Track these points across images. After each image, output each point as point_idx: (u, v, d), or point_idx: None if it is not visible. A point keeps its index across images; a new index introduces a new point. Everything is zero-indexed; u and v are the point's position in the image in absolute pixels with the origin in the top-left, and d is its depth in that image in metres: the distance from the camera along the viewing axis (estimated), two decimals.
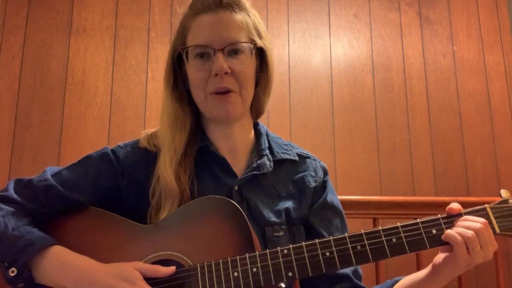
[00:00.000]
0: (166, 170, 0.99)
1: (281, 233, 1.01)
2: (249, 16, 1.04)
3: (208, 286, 0.86)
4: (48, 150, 2.29)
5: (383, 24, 2.69)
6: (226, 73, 0.98)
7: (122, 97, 2.41)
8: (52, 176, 1.01)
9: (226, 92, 1.00)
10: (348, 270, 1.05)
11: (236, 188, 1.03)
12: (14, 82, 2.36)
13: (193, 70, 1.02)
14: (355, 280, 1.06)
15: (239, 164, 1.07)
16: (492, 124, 2.64)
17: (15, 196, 0.97)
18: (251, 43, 1.02)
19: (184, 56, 1.02)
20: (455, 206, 0.91)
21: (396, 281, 1.02)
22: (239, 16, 1.01)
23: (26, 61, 2.39)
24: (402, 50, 2.67)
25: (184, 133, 1.04)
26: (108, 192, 1.03)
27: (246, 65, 1.01)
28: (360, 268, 1.09)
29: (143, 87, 2.44)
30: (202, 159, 1.05)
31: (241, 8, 1.03)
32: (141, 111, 2.41)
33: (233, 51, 1.00)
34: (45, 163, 2.24)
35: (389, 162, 2.51)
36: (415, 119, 2.59)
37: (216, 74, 0.98)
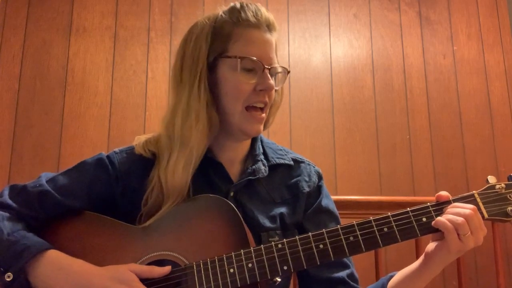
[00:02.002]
0: (183, 171, 0.97)
1: (276, 238, 1.01)
2: None
3: (204, 284, 0.87)
4: (48, 150, 2.29)
5: (383, 24, 2.69)
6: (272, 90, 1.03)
7: (122, 97, 2.41)
8: (47, 181, 1.01)
9: (262, 108, 1.04)
10: (344, 274, 1.06)
11: (231, 194, 1.03)
12: (14, 82, 2.36)
13: (238, 81, 1.01)
14: (352, 283, 1.06)
15: (234, 170, 1.08)
16: (492, 124, 2.64)
17: (10, 202, 0.97)
18: (287, 70, 1.09)
19: (238, 63, 1.00)
20: (443, 193, 0.93)
21: (391, 277, 1.03)
22: (275, 40, 1.08)
23: (26, 61, 2.39)
24: (402, 50, 2.67)
25: (209, 138, 1.03)
26: (102, 198, 1.03)
27: (280, 87, 1.09)
28: (356, 272, 1.09)
29: (143, 87, 2.44)
30: (199, 164, 1.05)
31: (276, 33, 1.09)
32: (141, 111, 2.41)
33: (274, 71, 1.05)
34: (45, 163, 2.24)
35: (389, 162, 2.51)
36: (415, 119, 2.59)
37: (261, 90, 1.02)
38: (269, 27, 1.05)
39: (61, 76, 2.40)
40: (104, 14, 2.50)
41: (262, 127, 1.06)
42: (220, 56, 1.02)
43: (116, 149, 1.09)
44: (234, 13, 1.04)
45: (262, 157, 1.09)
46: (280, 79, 1.08)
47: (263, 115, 1.04)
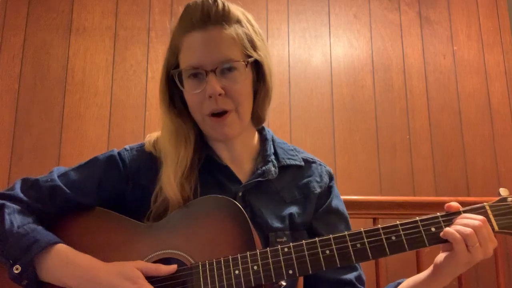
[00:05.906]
0: (170, 183, 0.98)
1: (284, 238, 1.01)
2: (242, 27, 0.99)
3: (209, 284, 0.87)
4: (48, 150, 2.29)
5: (383, 24, 2.69)
6: (220, 94, 0.95)
7: (122, 97, 2.41)
8: (58, 176, 1.02)
9: (223, 113, 0.97)
10: (351, 276, 1.05)
11: (240, 194, 1.03)
12: (14, 82, 2.36)
13: (188, 94, 1.00)
14: (359, 286, 1.06)
15: (243, 171, 1.07)
16: (492, 124, 2.64)
17: (21, 195, 0.98)
18: (243, 60, 0.97)
19: (176, 79, 0.99)
20: (454, 204, 0.92)
21: (399, 283, 1.02)
22: (230, 31, 0.97)
23: (26, 61, 2.39)
24: (402, 50, 2.67)
25: (189, 147, 1.02)
26: (112, 195, 1.04)
27: (241, 82, 0.98)
28: (364, 274, 1.08)
29: (143, 87, 2.44)
30: (206, 167, 1.05)
31: (231, 21, 0.98)
32: (141, 111, 2.41)
33: (226, 69, 0.96)
34: (45, 163, 2.24)
35: (389, 162, 2.51)
36: (415, 119, 2.59)
37: (210, 96, 0.95)
38: (210, 19, 0.96)
39: (61, 76, 2.40)
40: (104, 14, 2.50)
41: (230, 128, 0.99)
42: (173, 70, 1.00)
43: (127, 146, 1.10)
44: (178, 21, 1.01)
45: (273, 157, 1.08)
46: (241, 72, 0.97)
47: (228, 118, 0.98)
